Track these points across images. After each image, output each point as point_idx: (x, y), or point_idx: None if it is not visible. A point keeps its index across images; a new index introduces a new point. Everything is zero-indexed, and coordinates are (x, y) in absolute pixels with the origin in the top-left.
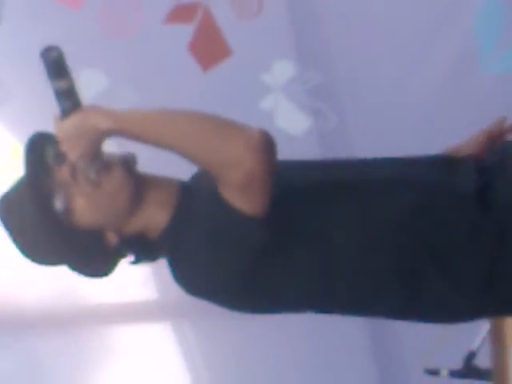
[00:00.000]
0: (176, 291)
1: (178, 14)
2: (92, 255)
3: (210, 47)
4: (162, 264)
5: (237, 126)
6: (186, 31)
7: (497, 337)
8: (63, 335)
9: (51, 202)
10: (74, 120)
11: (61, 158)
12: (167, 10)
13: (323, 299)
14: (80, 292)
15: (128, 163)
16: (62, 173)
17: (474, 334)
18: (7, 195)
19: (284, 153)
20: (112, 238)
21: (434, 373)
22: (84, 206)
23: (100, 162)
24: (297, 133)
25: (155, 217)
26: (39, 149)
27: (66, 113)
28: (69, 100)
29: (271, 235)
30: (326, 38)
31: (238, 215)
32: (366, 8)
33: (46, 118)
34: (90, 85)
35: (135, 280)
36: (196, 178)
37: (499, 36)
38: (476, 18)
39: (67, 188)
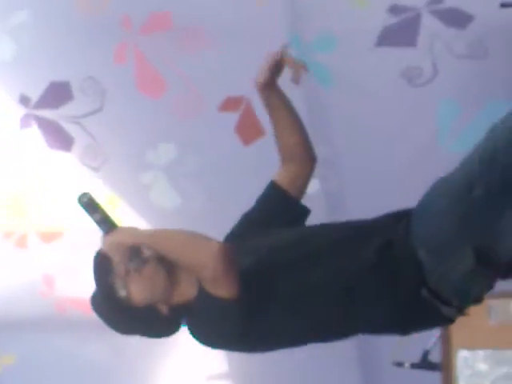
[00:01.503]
0: None
1: (228, 104)
2: (152, 323)
3: (249, 129)
4: None
5: (205, 240)
6: (233, 117)
7: (445, 338)
8: None
9: (116, 291)
10: (109, 239)
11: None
12: (220, 101)
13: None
14: None
15: (158, 256)
16: (120, 270)
17: (429, 336)
18: (93, 295)
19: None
20: (163, 309)
21: (399, 364)
22: (136, 289)
23: (139, 259)
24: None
25: (188, 289)
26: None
27: (106, 233)
28: (105, 225)
29: (248, 306)
30: (332, 136)
31: (219, 300)
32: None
33: None
34: (164, 155)
35: None
36: None
37: (455, 123)
38: (438, 113)
39: (124, 280)
